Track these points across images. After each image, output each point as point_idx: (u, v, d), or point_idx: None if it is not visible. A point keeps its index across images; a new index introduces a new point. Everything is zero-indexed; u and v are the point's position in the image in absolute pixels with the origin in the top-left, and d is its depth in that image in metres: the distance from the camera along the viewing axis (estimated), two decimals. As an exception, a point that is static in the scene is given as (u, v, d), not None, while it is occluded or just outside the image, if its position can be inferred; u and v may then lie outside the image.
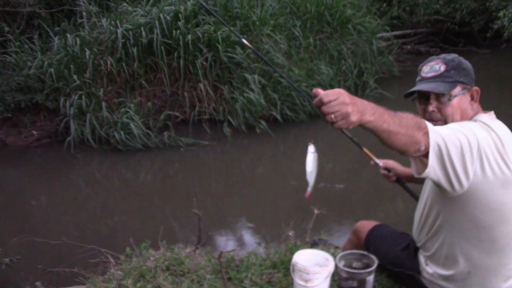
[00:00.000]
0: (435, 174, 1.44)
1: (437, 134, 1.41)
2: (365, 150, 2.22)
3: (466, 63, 1.73)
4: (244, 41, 2.49)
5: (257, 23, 6.90)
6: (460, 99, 1.67)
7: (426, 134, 1.39)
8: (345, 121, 1.25)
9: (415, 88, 1.74)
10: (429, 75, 1.72)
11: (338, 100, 1.25)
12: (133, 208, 4.85)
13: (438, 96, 1.68)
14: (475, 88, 1.70)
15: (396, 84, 8.30)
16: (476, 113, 1.69)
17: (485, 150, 1.47)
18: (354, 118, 1.25)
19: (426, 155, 1.41)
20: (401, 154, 1.41)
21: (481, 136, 1.49)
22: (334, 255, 1.96)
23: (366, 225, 2.15)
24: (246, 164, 5.99)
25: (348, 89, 7.28)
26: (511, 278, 1.64)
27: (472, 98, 1.70)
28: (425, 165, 1.43)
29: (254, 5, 7.22)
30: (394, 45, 9.11)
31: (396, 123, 1.32)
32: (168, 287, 2.01)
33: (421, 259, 1.82)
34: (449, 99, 1.66)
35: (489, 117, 1.65)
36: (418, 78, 1.77)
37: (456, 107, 1.67)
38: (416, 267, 1.83)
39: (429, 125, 1.42)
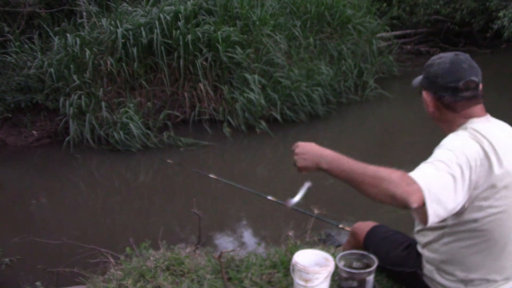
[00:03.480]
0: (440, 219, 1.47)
1: (432, 194, 1.40)
2: None
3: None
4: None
5: (257, 23, 6.90)
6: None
7: (417, 191, 1.38)
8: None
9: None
10: None
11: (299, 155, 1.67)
12: (133, 208, 4.86)
13: None
14: None
15: (396, 84, 8.30)
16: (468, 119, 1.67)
17: (477, 167, 1.50)
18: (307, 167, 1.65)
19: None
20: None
21: (470, 154, 1.50)
22: (334, 255, 1.96)
23: (364, 227, 2.14)
24: (246, 164, 5.99)
25: (348, 89, 7.34)
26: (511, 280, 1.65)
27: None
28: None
29: (254, 5, 7.21)
30: (394, 45, 9.11)
31: (359, 172, 1.46)
32: (168, 287, 2.01)
33: (423, 258, 1.82)
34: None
35: (482, 121, 1.64)
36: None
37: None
38: (418, 264, 1.82)
39: (420, 179, 1.40)
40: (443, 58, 1.70)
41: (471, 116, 1.66)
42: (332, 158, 1.55)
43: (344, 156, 1.54)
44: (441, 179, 1.43)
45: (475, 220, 1.56)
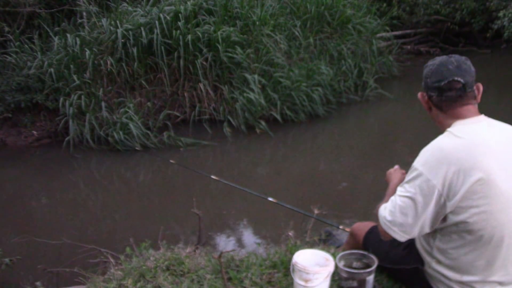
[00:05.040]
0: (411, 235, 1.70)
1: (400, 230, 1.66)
2: None
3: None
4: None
5: (257, 23, 6.90)
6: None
7: (379, 225, 1.72)
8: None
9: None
10: None
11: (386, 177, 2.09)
12: (133, 208, 4.85)
13: None
14: None
15: (396, 84, 8.31)
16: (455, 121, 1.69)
17: (444, 175, 1.55)
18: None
19: None
20: None
21: (430, 165, 1.58)
22: (334, 255, 1.96)
23: (362, 227, 2.15)
24: (246, 164, 5.99)
25: (348, 89, 7.35)
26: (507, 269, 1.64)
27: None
28: None
29: (254, 5, 7.22)
30: (394, 45, 9.11)
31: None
32: (168, 287, 2.01)
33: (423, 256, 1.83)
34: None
35: (468, 122, 1.65)
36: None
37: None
38: (420, 261, 1.83)
39: (379, 213, 1.72)
40: (436, 59, 1.74)
41: (458, 117, 1.67)
42: (389, 186, 1.97)
43: (393, 188, 1.85)
44: (397, 205, 1.64)
45: (460, 222, 1.58)
